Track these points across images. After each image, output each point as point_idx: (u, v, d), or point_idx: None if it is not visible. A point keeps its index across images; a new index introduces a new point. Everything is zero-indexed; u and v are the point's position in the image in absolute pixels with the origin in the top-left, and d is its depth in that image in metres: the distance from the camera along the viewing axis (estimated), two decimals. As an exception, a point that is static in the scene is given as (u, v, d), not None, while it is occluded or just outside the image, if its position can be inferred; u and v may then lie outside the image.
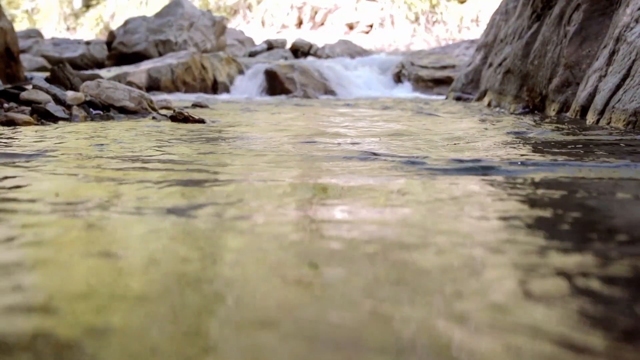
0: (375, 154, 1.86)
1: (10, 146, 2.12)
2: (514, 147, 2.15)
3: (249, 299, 0.63)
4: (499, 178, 1.43)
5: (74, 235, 0.90)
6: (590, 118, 3.20)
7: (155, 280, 0.68)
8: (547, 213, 1.07)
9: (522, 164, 1.63)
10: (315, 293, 0.65)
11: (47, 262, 0.76)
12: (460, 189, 1.30)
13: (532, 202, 1.16)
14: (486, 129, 3.11)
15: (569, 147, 2.14)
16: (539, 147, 2.18)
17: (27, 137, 2.48)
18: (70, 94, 3.87)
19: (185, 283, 0.67)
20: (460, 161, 1.66)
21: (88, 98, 3.85)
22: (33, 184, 1.34)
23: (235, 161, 1.79)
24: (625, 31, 3.22)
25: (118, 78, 8.01)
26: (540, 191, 1.28)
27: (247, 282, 0.68)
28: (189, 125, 3.30)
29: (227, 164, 1.73)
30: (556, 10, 4.57)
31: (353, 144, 2.24)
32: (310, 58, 12.74)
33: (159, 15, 13.23)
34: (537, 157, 1.84)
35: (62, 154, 1.87)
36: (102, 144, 2.20)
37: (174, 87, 9.02)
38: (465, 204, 1.12)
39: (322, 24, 22.53)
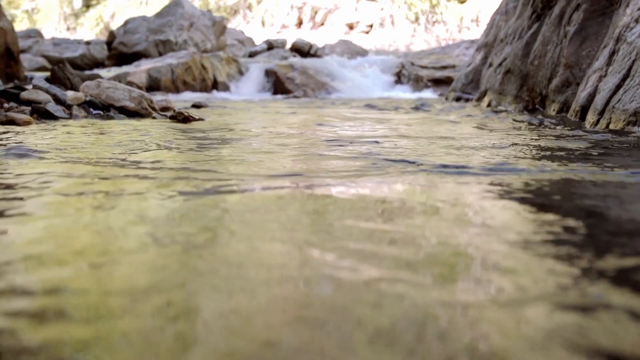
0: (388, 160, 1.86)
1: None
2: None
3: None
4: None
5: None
6: (590, 118, 3.20)
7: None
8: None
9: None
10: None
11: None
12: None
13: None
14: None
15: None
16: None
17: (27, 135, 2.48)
18: (70, 93, 3.87)
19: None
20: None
21: (88, 98, 3.85)
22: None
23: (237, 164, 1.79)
24: (625, 31, 3.22)
25: (118, 78, 8.01)
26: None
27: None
28: (189, 125, 3.30)
29: (228, 167, 1.73)
30: (556, 10, 4.57)
31: (352, 143, 2.24)
32: (308, 58, 12.70)
33: (159, 15, 13.23)
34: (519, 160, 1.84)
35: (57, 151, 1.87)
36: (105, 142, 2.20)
37: (174, 87, 9.01)
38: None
39: (322, 24, 22.53)
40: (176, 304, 0.61)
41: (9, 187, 1.32)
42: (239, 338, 0.53)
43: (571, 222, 1.01)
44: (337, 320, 0.58)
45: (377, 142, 2.31)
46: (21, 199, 1.18)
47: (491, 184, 1.38)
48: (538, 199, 1.23)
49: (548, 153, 2.00)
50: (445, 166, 1.62)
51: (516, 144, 2.26)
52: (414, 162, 1.69)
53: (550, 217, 1.06)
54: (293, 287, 0.67)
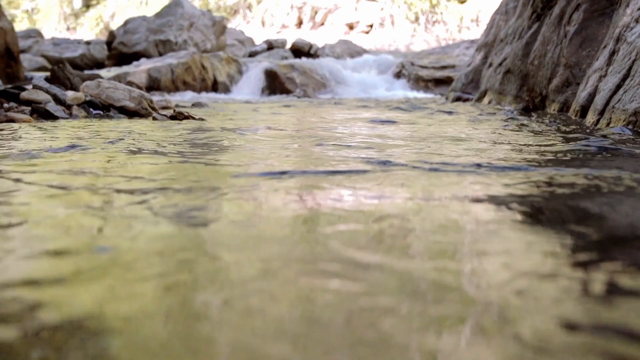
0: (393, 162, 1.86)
1: None
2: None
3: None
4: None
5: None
6: (591, 118, 3.19)
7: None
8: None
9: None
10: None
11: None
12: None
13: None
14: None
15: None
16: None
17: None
18: (70, 93, 3.87)
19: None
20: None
21: (88, 98, 3.85)
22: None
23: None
24: (625, 31, 3.22)
25: (118, 78, 8.01)
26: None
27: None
28: (189, 125, 3.30)
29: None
30: (556, 10, 4.57)
31: (352, 147, 2.24)
32: (303, 59, 12.67)
33: (159, 15, 13.23)
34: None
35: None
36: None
37: (174, 87, 9.02)
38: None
39: (322, 24, 22.53)
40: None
41: None
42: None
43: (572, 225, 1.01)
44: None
45: (374, 142, 2.32)
46: None
47: (484, 183, 1.38)
48: (539, 199, 1.23)
49: (548, 153, 2.00)
50: (445, 163, 1.62)
51: (514, 144, 2.26)
52: (408, 164, 1.69)
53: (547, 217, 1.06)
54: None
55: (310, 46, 14.76)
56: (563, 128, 3.03)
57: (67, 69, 4.99)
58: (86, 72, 8.76)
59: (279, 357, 0.51)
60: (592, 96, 3.37)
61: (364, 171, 1.52)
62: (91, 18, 26.29)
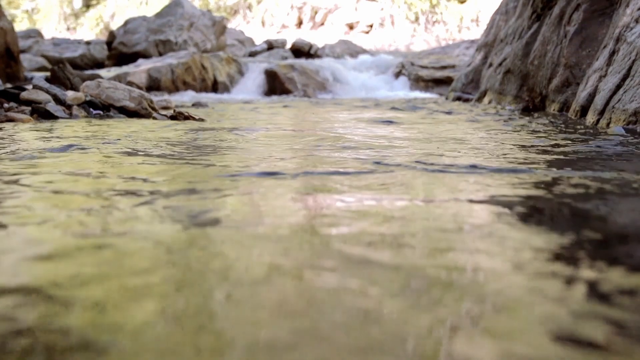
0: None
1: None
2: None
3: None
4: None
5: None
6: (590, 118, 3.20)
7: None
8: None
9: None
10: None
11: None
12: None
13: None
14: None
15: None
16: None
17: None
18: (70, 94, 3.87)
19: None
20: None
21: (88, 98, 3.85)
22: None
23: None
24: (625, 31, 3.22)
25: (118, 78, 8.01)
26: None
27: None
28: (190, 126, 3.30)
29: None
30: (556, 10, 4.57)
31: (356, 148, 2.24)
32: (303, 59, 12.66)
33: (159, 15, 13.23)
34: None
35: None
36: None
37: (174, 87, 9.02)
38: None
39: (322, 24, 22.55)
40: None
41: None
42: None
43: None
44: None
45: (375, 143, 2.32)
46: None
47: (485, 184, 1.38)
48: (540, 200, 1.23)
49: (548, 154, 2.00)
50: (445, 164, 1.62)
51: (514, 145, 2.26)
52: (408, 165, 1.69)
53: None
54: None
55: (310, 46, 14.76)
56: (563, 128, 3.03)
57: (67, 69, 4.99)
58: (86, 72, 8.75)
59: (281, 356, 0.51)
60: (592, 96, 3.37)
61: (365, 172, 1.52)
62: (91, 18, 26.31)
